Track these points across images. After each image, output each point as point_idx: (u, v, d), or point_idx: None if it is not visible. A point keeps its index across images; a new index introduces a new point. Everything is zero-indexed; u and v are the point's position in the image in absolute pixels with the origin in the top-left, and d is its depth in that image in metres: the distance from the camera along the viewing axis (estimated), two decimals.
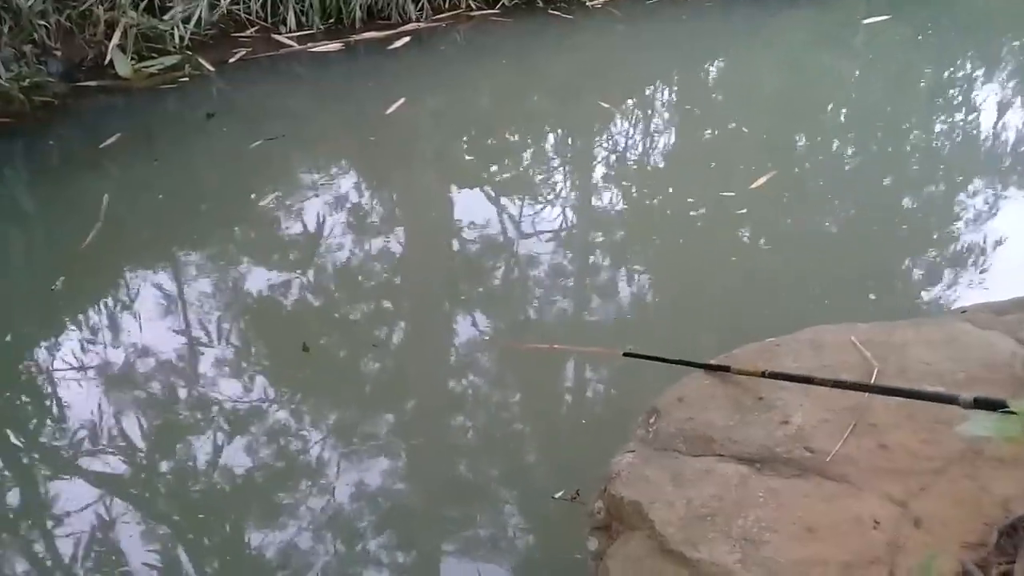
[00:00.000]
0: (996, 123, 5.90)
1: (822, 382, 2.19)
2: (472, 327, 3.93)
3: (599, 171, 5.50)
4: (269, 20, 6.77)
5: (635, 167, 5.60)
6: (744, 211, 4.66)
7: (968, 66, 6.97)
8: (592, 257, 4.46)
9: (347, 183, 5.21)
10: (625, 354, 2.73)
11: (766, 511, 1.97)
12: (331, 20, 6.90)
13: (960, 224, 4.65)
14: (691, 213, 4.82)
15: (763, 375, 2.28)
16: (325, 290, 4.21)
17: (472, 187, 5.19)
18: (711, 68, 7.07)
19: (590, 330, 3.89)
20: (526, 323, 3.95)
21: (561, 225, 4.79)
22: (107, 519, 3.02)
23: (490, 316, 4.00)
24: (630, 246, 4.58)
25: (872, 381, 2.22)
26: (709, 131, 5.99)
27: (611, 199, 5.10)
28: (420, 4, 7.09)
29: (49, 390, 3.57)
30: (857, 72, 6.78)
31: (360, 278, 4.30)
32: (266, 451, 3.27)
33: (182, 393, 3.55)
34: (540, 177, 5.32)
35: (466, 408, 3.50)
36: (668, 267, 4.37)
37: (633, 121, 6.13)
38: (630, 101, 6.34)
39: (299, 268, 4.31)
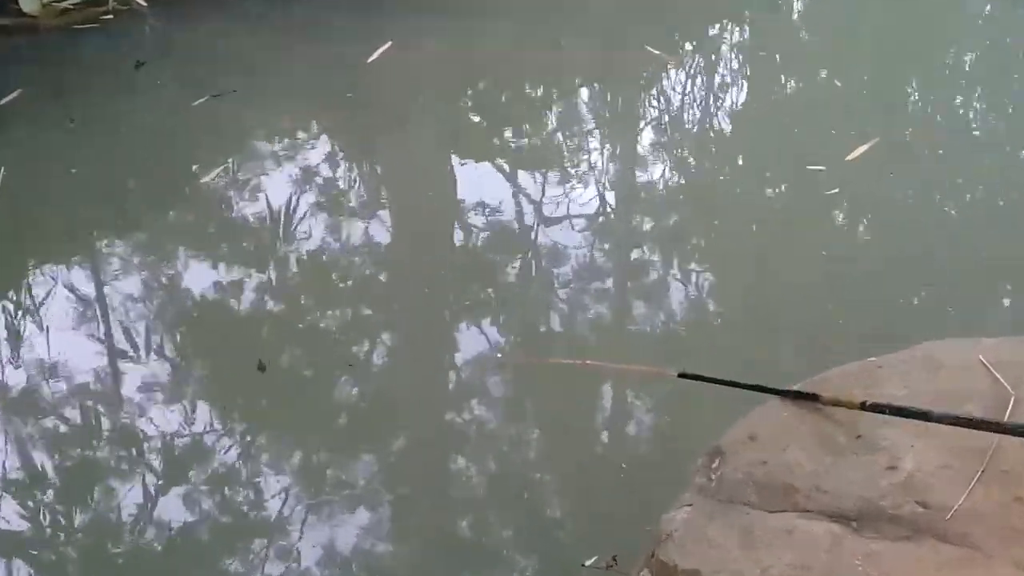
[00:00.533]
0: None
1: (943, 419, 2.17)
2: (478, 340, 3.93)
3: (646, 138, 5.48)
4: None
5: (694, 133, 5.58)
6: (836, 190, 4.64)
7: None
8: (636, 250, 4.45)
9: (317, 153, 5.22)
10: (680, 375, 2.73)
11: None
12: None
13: None
14: (767, 192, 4.80)
15: (862, 407, 2.26)
16: (288, 292, 4.22)
17: (480, 158, 5.18)
18: (795, 0, 7.04)
19: (633, 343, 3.89)
20: (548, 335, 3.95)
21: (596, 208, 4.78)
22: None
23: (502, 326, 4.00)
24: (686, 236, 4.57)
25: (1007, 415, 2.20)
26: (792, 84, 5.96)
27: (662, 174, 5.08)
28: None
29: None
30: (988, 7, 6.73)
31: (334, 277, 4.31)
32: (209, 502, 3.28)
33: (102, 425, 3.56)
34: (569, 145, 5.30)
35: (469, 446, 3.50)
36: (736, 263, 4.35)
37: (691, 72, 6.11)
38: (688, 45, 6.33)
39: (255, 264, 4.32)
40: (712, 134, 5.57)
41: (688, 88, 5.97)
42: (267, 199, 4.76)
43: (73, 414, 3.60)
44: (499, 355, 3.85)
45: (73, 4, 6.13)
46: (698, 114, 5.75)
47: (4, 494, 3.30)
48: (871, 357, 2.52)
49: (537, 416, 3.62)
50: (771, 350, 3.77)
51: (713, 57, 6.34)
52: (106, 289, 4.21)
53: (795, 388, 2.43)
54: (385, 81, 5.72)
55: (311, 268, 4.35)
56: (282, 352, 3.87)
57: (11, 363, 3.82)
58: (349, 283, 4.27)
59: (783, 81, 6.01)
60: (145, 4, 6.25)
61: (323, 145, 5.34)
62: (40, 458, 3.43)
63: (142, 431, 3.52)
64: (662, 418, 3.59)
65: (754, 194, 4.79)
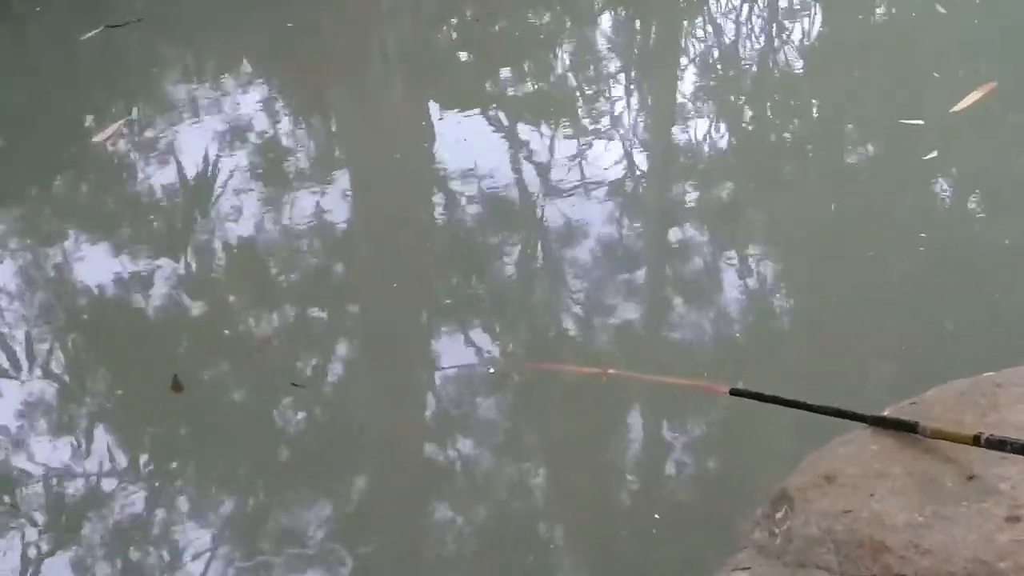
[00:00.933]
0: None
1: None
2: (464, 351, 3.93)
3: (689, 81, 5.48)
4: None
5: (751, 75, 5.57)
6: (935, 154, 4.64)
7: None
8: (674, 230, 4.45)
9: (249, 103, 5.22)
10: (733, 392, 2.72)
11: None
12: None
13: None
14: (848, 157, 4.79)
15: (976, 441, 2.24)
16: (213, 288, 4.23)
17: (467, 108, 5.19)
18: None
19: (670, 352, 3.88)
20: (558, 342, 3.94)
21: (622, 175, 4.78)
22: None
23: (495, 332, 4.01)
24: (741, 211, 4.58)
25: None
26: (881, 11, 5.95)
27: (708, 131, 5.08)
28: None
29: None
30: None
31: (273, 267, 4.31)
32: (107, 567, 3.26)
33: None
34: (586, 91, 5.29)
35: (452, 490, 3.48)
36: (807, 247, 4.36)
37: None
38: None
39: (168, 249, 4.33)
40: (775, 77, 5.56)
41: (744, 15, 5.97)
42: (182, 164, 4.76)
43: None
44: (490, 369, 3.85)
45: None
46: (757, 50, 5.75)
47: None
48: (987, 372, 2.49)
49: (542, 448, 3.60)
50: (853, 362, 3.76)
51: None
52: None
53: (886, 414, 2.41)
54: (338, 4, 5.69)
55: (243, 256, 4.35)
56: (205, 366, 3.87)
57: None
58: (293, 276, 4.26)
59: (870, 6, 6.01)
60: None
61: (256, 92, 5.34)
62: None
63: (18, 471, 3.52)
64: (708, 451, 3.56)
65: (830, 157, 4.79)
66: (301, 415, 3.72)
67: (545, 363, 3.76)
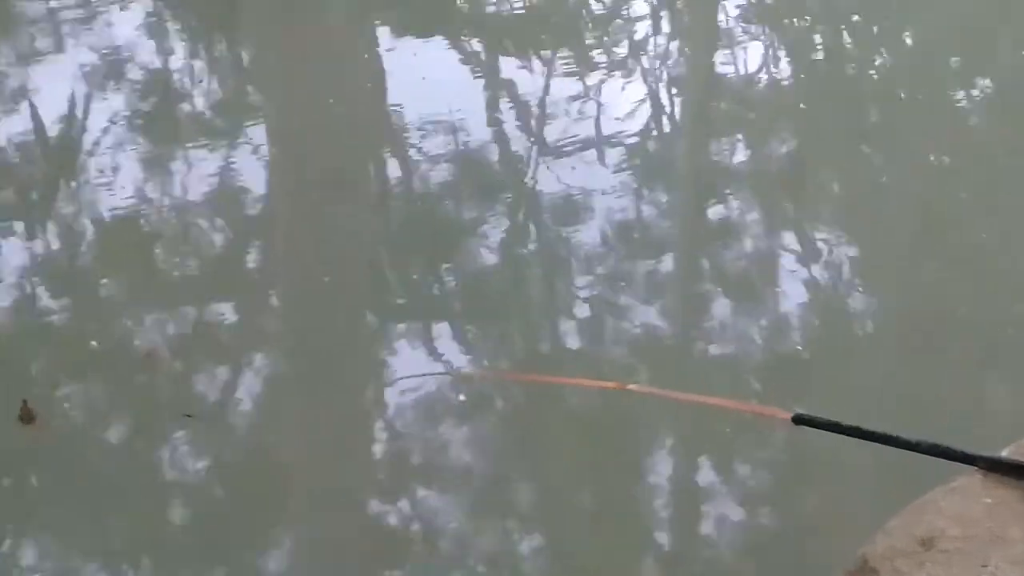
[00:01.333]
0: None
1: None
2: (424, 364, 3.93)
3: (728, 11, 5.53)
4: None
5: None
6: None
7: None
8: (713, 204, 4.49)
9: (129, 22, 5.25)
10: (797, 420, 2.72)
11: None
12: None
13: None
14: (953, 104, 4.82)
15: None
16: (77, 281, 4.24)
17: (428, 33, 5.23)
18: None
19: (710, 366, 3.91)
20: (557, 354, 3.96)
21: (642, 128, 4.82)
22: None
23: (469, 340, 4.03)
24: (805, 179, 4.62)
25: None
26: None
27: (761, 69, 5.14)
28: None
29: None
30: None
31: (158, 253, 4.32)
32: None
33: None
34: (594, 10, 5.33)
35: (405, 553, 3.46)
36: (894, 229, 4.38)
37: None
38: None
39: (17, 228, 4.35)
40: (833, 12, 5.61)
41: None
42: (38, 111, 4.81)
43: None
44: (461, 397, 3.85)
45: None
46: None
47: None
48: None
49: (533, 500, 3.62)
50: (959, 385, 3.78)
51: None
52: None
53: (1004, 455, 2.42)
54: None
55: (120, 237, 4.37)
56: (66, 390, 3.86)
57: None
58: (189, 265, 4.29)
59: None
60: None
61: (138, 9, 5.38)
62: None
63: None
64: (762, 501, 3.56)
65: (928, 104, 4.85)
66: (198, 456, 3.71)
67: (542, 376, 3.78)
